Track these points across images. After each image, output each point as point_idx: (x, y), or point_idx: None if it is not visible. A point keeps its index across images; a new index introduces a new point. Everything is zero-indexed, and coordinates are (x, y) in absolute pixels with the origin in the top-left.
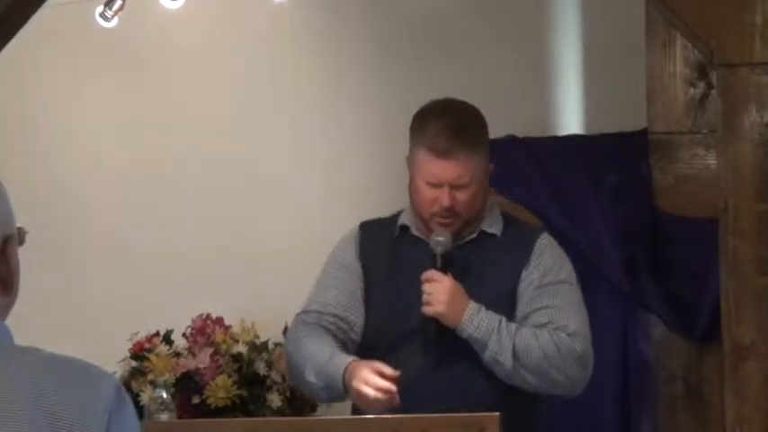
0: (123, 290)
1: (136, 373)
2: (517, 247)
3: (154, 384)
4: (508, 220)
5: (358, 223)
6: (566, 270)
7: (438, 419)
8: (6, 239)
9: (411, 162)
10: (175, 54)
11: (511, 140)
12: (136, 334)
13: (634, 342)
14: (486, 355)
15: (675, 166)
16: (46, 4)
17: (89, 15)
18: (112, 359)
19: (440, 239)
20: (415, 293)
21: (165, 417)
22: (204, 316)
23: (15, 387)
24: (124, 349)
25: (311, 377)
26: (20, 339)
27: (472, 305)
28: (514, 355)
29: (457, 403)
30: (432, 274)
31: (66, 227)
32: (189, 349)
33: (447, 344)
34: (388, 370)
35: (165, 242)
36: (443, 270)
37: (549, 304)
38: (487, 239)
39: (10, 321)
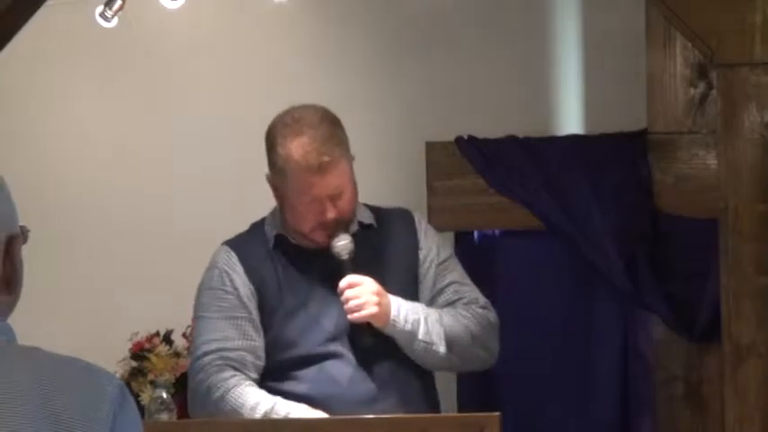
0: (123, 290)
1: (136, 373)
2: (399, 229)
3: (154, 384)
4: (372, 209)
5: (219, 246)
6: (446, 243)
7: (437, 419)
8: (10, 238)
9: (279, 182)
10: (175, 54)
11: (511, 140)
12: (136, 334)
13: (634, 342)
14: (416, 347)
15: (675, 167)
16: (46, 4)
17: (89, 15)
18: (112, 359)
19: (343, 243)
20: (322, 304)
21: (165, 417)
22: None
23: (18, 386)
24: (124, 349)
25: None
26: (19, 339)
27: (394, 300)
28: (446, 341)
29: (390, 404)
30: (351, 279)
31: (65, 226)
32: (189, 349)
33: (369, 348)
34: None
35: (164, 242)
36: (356, 272)
37: (453, 279)
38: (367, 232)
39: (9, 320)
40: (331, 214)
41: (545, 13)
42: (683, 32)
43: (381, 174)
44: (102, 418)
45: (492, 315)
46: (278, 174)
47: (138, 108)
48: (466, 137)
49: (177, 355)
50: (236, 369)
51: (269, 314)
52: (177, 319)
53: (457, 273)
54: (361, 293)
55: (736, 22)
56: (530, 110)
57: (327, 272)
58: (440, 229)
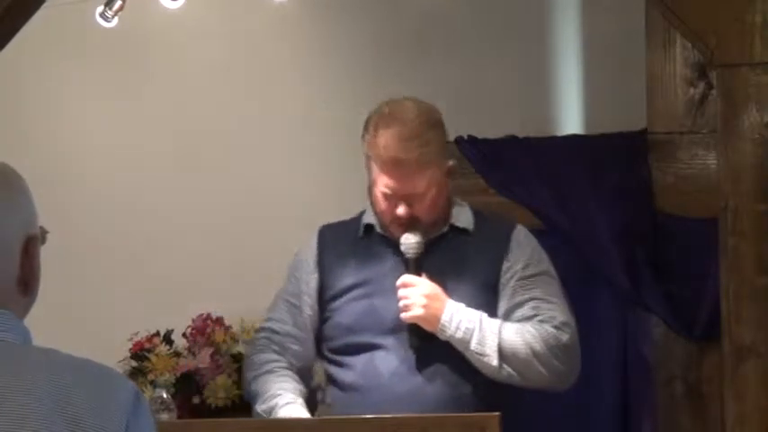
0: (123, 290)
1: (136, 373)
2: (493, 239)
3: (154, 384)
4: (479, 215)
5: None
6: (545, 261)
7: (438, 419)
8: (29, 239)
9: (367, 167)
10: (175, 54)
11: (511, 140)
12: (136, 334)
13: (634, 342)
14: (470, 355)
15: (675, 167)
16: (46, 4)
17: (89, 15)
18: (113, 359)
19: (410, 242)
20: (387, 294)
21: (165, 417)
22: (204, 316)
23: (36, 388)
24: (124, 349)
25: (258, 410)
26: None
27: (450, 305)
28: (500, 353)
29: (430, 403)
30: (406, 278)
31: (65, 226)
32: (189, 349)
33: (425, 345)
34: None
35: (165, 242)
36: (417, 272)
37: (534, 296)
38: (459, 234)
39: None
40: (402, 212)
41: (545, 14)
42: (683, 32)
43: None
44: (116, 422)
45: (565, 336)
46: (366, 158)
47: (138, 108)
48: (466, 137)
49: (177, 354)
50: (278, 353)
51: (332, 299)
52: (177, 319)
53: (542, 290)
54: (411, 294)
55: (735, 22)
56: (530, 110)
57: (400, 265)
58: None
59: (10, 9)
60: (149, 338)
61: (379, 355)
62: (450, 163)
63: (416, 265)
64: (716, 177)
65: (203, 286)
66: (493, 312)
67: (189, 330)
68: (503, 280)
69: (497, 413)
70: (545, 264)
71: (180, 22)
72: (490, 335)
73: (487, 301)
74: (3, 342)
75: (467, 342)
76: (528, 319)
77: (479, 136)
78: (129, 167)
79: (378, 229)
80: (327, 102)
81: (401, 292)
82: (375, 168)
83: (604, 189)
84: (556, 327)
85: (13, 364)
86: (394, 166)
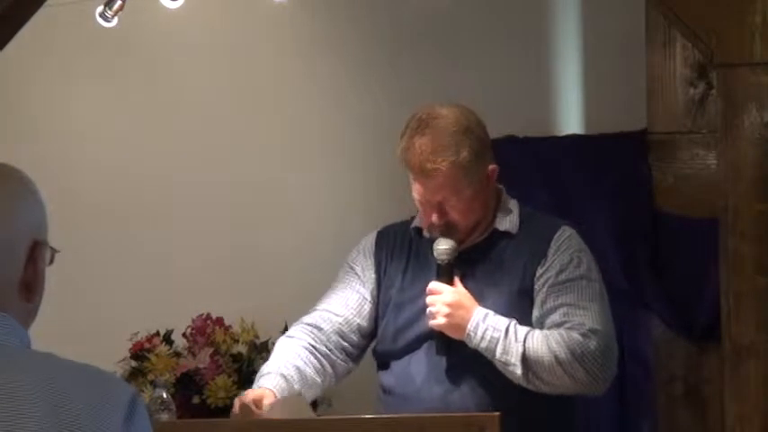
0: (123, 290)
1: (136, 373)
2: (534, 243)
3: (154, 384)
4: (527, 216)
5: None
6: (584, 265)
7: (438, 419)
8: (36, 244)
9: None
10: (175, 54)
11: (511, 140)
12: (136, 334)
13: (634, 342)
14: (497, 363)
15: (675, 166)
16: (46, 4)
17: (89, 15)
18: (113, 359)
19: (442, 248)
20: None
21: (165, 417)
22: (204, 316)
23: (33, 392)
24: (124, 349)
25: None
26: None
27: (477, 313)
28: (524, 362)
29: (459, 408)
30: (433, 285)
31: (65, 227)
32: (189, 349)
33: (454, 353)
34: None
35: (165, 242)
36: (447, 279)
37: (565, 302)
38: (501, 238)
39: None
40: (436, 219)
41: (545, 14)
42: (683, 32)
43: (381, 174)
44: (113, 426)
45: (593, 343)
46: (402, 165)
47: (138, 108)
48: None
49: (177, 355)
50: (311, 326)
51: (385, 304)
52: (177, 319)
53: (575, 295)
54: (435, 302)
55: (735, 22)
56: (530, 110)
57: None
58: None
59: (10, 8)
60: (149, 338)
61: (414, 360)
62: (491, 166)
63: (448, 272)
64: (716, 177)
65: (203, 286)
66: (528, 318)
67: (189, 330)
68: (536, 286)
69: (497, 413)
70: (583, 268)
71: (180, 22)
72: (515, 344)
73: (522, 307)
74: (2, 345)
75: (492, 351)
76: (558, 325)
77: None
78: (130, 167)
79: (425, 233)
80: (328, 102)
81: (428, 300)
82: (410, 176)
83: (604, 189)
84: (583, 334)
85: (11, 368)
86: (423, 176)
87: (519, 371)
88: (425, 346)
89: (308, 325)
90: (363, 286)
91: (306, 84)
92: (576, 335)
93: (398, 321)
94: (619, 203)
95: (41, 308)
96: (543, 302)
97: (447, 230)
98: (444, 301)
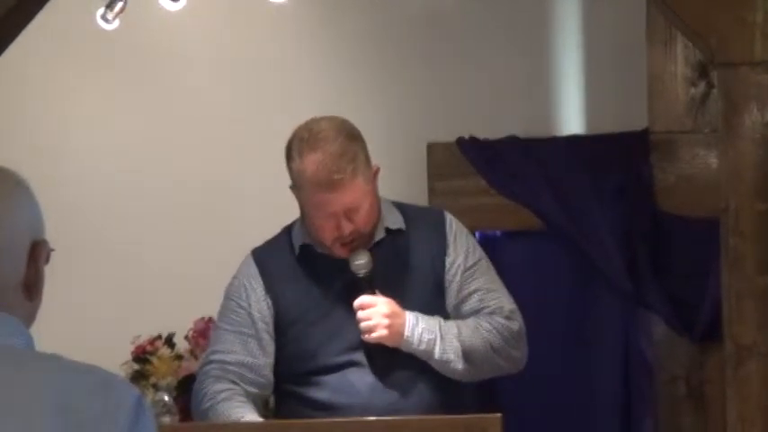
0: (125, 293)
1: (138, 377)
2: (429, 235)
3: (156, 387)
4: (405, 210)
5: (247, 255)
6: (477, 247)
7: (439, 421)
8: (36, 244)
9: (297, 194)
10: (176, 55)
11: (512, 141)
12: (138, 337)
13: (635, 342)
14: (434, 363)
15: (676, 166)
16: (48, 5)
17: (90, 17)
18: (114, 362)
19: (360, 262)
20: (345, 315)
21: (167, 420)
22: (206, 318)
23: (39, 393)
24: (126, 352)
25: None
26: None
27: (409, 319)
28: (464, 356)
29: (411, 413)
30: (363, 300)
31: (66, 229)
32: (191, 352)
33: (396, 359)
34: None
35: (166, 245)
36: (371, 291)
37: (478, 287)
38: (395, 236)
39: None
40: (347, 229)
41: (545, 14)
42: (684, 32)
43: (383, 174)
44: (118, 428)
45: (516, 324)
46: (295, 187)
47: (139, 108)
48: (467, 137)
49: (179, 358)
50: (233, 382)
51: (289, 325)
52: (179, 321)
53: (483, 279)
54: (372, 315)
55: (736, 22)
56: (530, 110)
57: (350, 282)
58: None
59: (13, 9)
60: (151, 341)
61: (349, 372)
62: (375, 167)
63: (369, 284)
64: (717, 177)
65: (205, 289)
66: (444, 310)
67: (190, 333)
68: (448, 276)
69: (499, 414)
70: (478, 249)
71: (181, 24)
72: (451, 340)
73: (438, 301)
74: (8, 347)
75: (430, 352)
76: (476, 311)
77: (480, 136)
78: (130, 168)
79: (317, 249)
80: (328, 102)
81: (360, 314)
82: (308, 193)
83: (605, 189)
84: (506, 317)
85: (17, 370)
86: (329, 188)
87: (460, 366)
88: (357, 357)
89: (229, 381)
90: (260, 321)
91: (306, 84)
92: (500, 319)
93: (315, 339)
94: (620, 203)
95: (43, 310)
96: (459, 290)
97: (353, 241)
98: (381, 312)
